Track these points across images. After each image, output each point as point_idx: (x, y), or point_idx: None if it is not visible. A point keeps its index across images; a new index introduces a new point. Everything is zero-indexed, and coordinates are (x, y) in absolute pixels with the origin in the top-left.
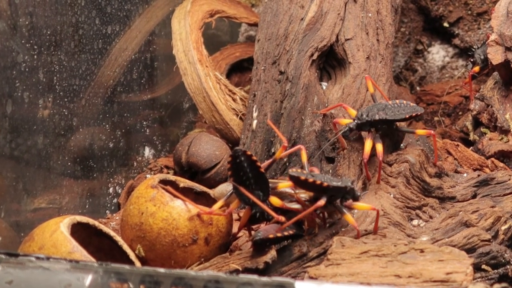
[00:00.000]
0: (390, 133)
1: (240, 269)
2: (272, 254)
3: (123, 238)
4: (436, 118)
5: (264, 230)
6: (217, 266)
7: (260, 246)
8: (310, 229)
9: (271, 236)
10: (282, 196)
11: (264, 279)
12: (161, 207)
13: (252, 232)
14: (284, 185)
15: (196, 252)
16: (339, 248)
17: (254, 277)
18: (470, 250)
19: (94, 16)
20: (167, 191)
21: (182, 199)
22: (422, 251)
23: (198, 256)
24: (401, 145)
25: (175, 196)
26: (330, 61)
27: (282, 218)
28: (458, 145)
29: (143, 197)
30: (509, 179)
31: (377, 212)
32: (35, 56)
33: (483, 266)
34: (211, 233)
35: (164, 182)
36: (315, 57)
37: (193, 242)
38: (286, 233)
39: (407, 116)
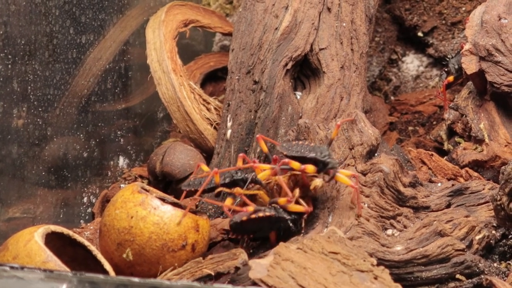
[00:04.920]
0: None
1: (213, 274)
2: (242, 258)
3: (105, 243)
4: (410, 128)
5: (239, 215)
6: (190, 271)
7: (237, 230)
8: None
9: (244, 218)
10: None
11: None
12: (151, 211)
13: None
14: (265, 173)
15: (183, 258)
16: (321, 238)
17: (229, 286)
18: (444, 260)
19: (68, 26)
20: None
21: (172, 204)
22: (376, 277)
23: (184, 263)
24: (375, 154)
25: (164, 201)
26: (304, 71)
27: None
28: (432, 154)
29: (131, 201)
30: (483, 189)
31: (355, 190)
32: (9, 66)
33: (458, 276)
34: (198, 240)
35: None
36: (289, 66)
37: (182, 248)
38: (261, 215)
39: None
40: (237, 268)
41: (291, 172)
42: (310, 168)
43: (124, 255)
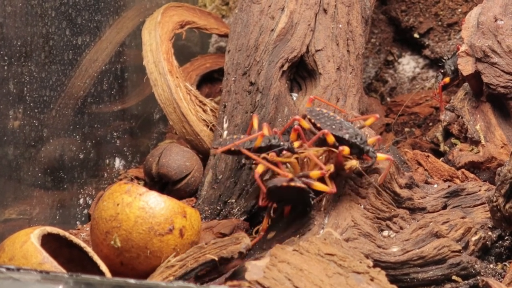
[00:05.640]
0: None
1: (217, 259)
2: (245, 242)
3: (94, 236)
4: (406, 129)
5: (279, 180)
6: (193, 256)
7: (273, 196)
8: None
9: (284, 184)
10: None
11: None
12: (137, 197)
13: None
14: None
15: (172, 243)
16: (318, 240)
17: (226, 287)
18: (440, 261)
19: (65, 27)
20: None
21: (158, 192)
22: (372, 279)
23: (173, 248)
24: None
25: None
26: (300, 72)
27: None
28: (428, 156)
29: (117, 191)
30: (479, 190)
31: (390, 161)
32: (5, 67)
33: (454, 277)
34: (185, 226)
35: None
36: (285, 68)
37: (169, 232)
38: (298, 185)
39: None
40: (240, 253)
41: (327, 148)
42: (348, 150)
43: (112, 242)
